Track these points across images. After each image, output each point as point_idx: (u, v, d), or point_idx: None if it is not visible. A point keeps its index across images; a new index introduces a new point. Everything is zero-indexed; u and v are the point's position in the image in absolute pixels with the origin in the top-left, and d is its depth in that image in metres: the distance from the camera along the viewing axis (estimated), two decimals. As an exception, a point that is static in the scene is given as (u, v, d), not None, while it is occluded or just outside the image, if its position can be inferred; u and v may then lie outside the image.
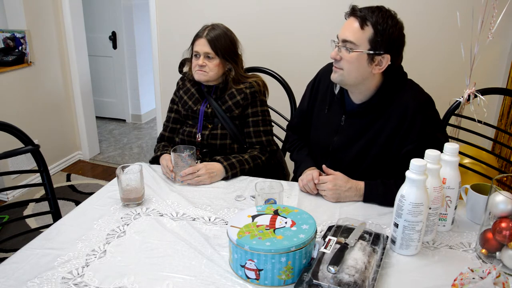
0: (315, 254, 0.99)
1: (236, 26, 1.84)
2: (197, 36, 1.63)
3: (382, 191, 1.33)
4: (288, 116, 2.01)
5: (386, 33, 1.25)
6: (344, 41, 1.29)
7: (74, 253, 1.08)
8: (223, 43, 1.61)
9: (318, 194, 1.40)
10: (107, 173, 3.41)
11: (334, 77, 1.36)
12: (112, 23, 4.22)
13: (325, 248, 0.98)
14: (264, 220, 1.04)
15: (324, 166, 1.41)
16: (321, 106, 1.52)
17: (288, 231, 1.00)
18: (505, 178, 2.16)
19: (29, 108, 3.06)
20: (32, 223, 2.60)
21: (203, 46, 1.60)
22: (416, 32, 2.29)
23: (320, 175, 1.41)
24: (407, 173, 1.03)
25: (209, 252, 1.09)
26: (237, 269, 1.00)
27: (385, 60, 1.28)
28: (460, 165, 1.69)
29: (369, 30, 1.25)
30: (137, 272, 1.01)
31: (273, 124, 1.81)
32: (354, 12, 1.28)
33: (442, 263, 1.06)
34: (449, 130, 1.88)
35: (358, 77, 1.31)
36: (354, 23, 1.27)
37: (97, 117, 3.89)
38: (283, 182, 1.43)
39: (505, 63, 2.37)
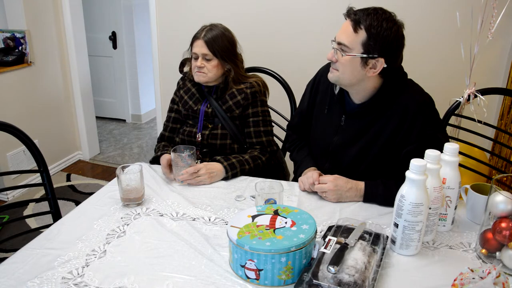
0: (315, 254, 0.99)
1: (236, 26, 1.84)
2: (195, 38, 1.63)
3: (382, 191, 1.33)
4: (288, 116, 2.01)
5: (380, 37, 1.23)
6: (339, 43, 1.29)
7: (74, 253, 1.08)
8: (221, 44, 1.60)
9: (318, 194, 1.40)
10: (107, 173, 3.41)
11: (330, 76, 1.36)
12: (112, 23, 4.21)
13: (325, 248, 0.98)
14: (264, 220, 1.04)
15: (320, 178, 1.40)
16: (321, 106, 1.52)
17: (288, 231, 1.00)
18: (505, 178, 2.16)
19: (29, 108, 3.06)
20: (32, 223, 2.60)
21: (200, 47, 1.60)
22: (416, 32, 2.29)
23: (320, 175, 1.41)
24: (407, 173, 1.03)
25: (209, 252, 1.09)
26: (237, 269, 1.00)
27: (380, 64, 1.27)
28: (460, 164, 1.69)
29: (362, 34, 1.25)
30: (137, 272, 1.01)
31: (273, 124, 1.81)
32: (349, 14, 1.28)
33: (442, 263, 1.06)
34: (449, 130, 1.88)
35: (353, 79, 1.31)
36: (349, 26, 1.27)
37: (97, 117, 3.89)
38: (283, 182, 1.43)
39: (505, 63, 2.37)
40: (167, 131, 1.77)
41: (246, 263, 0.96)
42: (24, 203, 1.98)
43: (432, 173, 1.06)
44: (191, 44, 1.65)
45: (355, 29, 1.25)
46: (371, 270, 0.95)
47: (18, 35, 2.95)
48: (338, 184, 1.34)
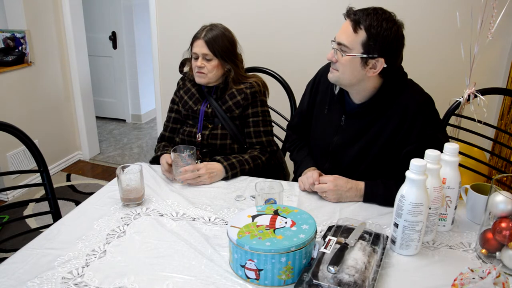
0: (315, 254, 0.99)
1: (236, 26, 1.84)
2: (195, 38, 1.63)
3: (382, 191, 1.33)
4: (288, 116, 2.01)
5: (380, 37, 1.23)
6: (339, 44, 1.29)
7: (74, 253, 1.08)
8: (221, 44, 1.60)
9: (318, 194, 1.40)
10: (107, 173, 3.41)
11: (330, 76, 1.36)
12: (112, 23, 4.22)
13: (325, 248, 0.98)
14: (264, 220, 1.04)
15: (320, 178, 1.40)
16: (321, 106, 1.52)
17: (288, 231, 1.00)
18: (505, 178, 2.16)
19: (29, 108, 3.06)
20: (32, 223, 2.60)
21: (201, 47, 1.60)
22: (416, 32, 2.29)
23: (320, 175, 1.41)
24: (407, 173, 1.03)
25: (209, 252, 1.09)
26: (237, 269, 1.00)
27: (380, 64, 1.27)
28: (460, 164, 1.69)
29: (362, 34, 1.25)
30: (137, 272, 1.01)
31: (273, 124, 1.81)
32: (349, 14, 1.28)
33: (442, 263, 1.06)
34: (449, 130, 1.88)
35: (353, 79, 1.31)
36: (348, 26, 1.26)
37: (97, 117, 3.89)
38: (283, 182, 1.43)
39: (505, 63, 2.37)
40: (167, 131, 1.77)
41: (246, 263, 0.96)
42: (24, 203, 1.98)
43: (432, 173, 1.06)
44: (191, 44, 1.65)
45: (355, 29, 1.25)
46: (371, 270, 0.95)
47: (18, 35, 2.95)
48: (338, 184, 1.34)
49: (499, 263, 1.03)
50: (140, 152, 3.88)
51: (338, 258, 0.95)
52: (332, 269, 0.91)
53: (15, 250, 1.10)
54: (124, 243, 1.13)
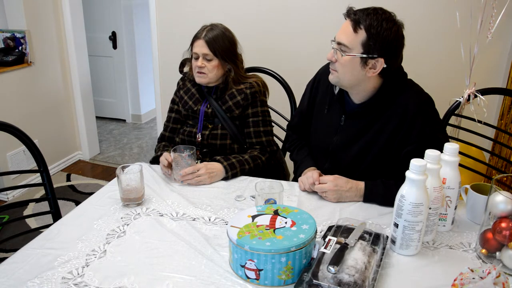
0: (315, 254, 0.99)
1: (236, 26, 1.84)
2: (195, 37, 1.63)
3: (382, 191, 1.33)
4: (288, 116, 2.01)
5: (380, 37, 1.23)
6: (339, 43, 1.29)
7: (74, 253, 1.08)
8: (222, 44, 1.60)
9: (318, 194, 1.40)
10: (107, 173, 3.41)
11: (330, 78, 1.36)
12: (112, 23, 4.21)
13: (325, 248, 0.98)
14: (264, 220, 1.04)
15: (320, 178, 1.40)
16: (321, 106, 1.52)
17: (288, 231, 1.00)
18: (505, 178, 2.16)
19: (29, 108, 3.06)
20: (32, 223, 2.60)
21: (201, 47, 1.60)
22: (416, 32, 2.30)
23: (320, 175, 1.41)
24: (407, 173, 1.03)
25: (209, 252, 1.09)
26: (237, 269, 1.00)
27: (379, 64, 1.27)
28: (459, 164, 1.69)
29: (362, 34, 1.25)
30: (137, 272, 1.01)
31: (273, 124, 1.81)
32: (349, 14, 1.28)
33: (442, 263, 1.06)
34: (449, 130, 1.88)
35: (353, 80, 1.31)
36: (348, 26, 1.26)
37: (97, 117, 3.89)
38: (283, 182, 1.43)
39: (505, 63, 2.37)
40: (167, 131, 1.77)
41: (246, 263, 0.96)
42: (24, 203, 1.98)
43: (432, 173, 1.06)
44: (192, 44, 1.65)
45: (355, 29, 1.25)
46: (371, 270, 0.95)
47: (18, 35, 2.95)
48: (338, 184, 1.34)
49: (499, 263, 1.03)
50: (140, 152, 3.88)
51: (338, 258, 0.95)
52: (332, 269, 0.91)
53: (15, 250, 1.10)
54: (124, 243, 1.13)
